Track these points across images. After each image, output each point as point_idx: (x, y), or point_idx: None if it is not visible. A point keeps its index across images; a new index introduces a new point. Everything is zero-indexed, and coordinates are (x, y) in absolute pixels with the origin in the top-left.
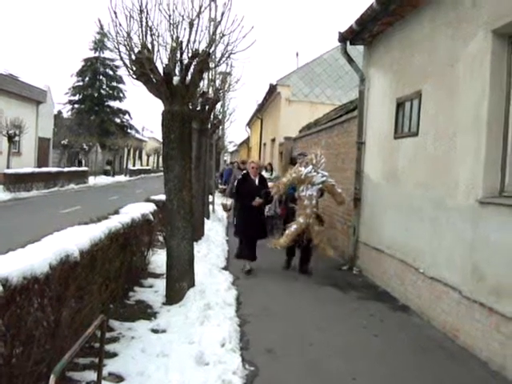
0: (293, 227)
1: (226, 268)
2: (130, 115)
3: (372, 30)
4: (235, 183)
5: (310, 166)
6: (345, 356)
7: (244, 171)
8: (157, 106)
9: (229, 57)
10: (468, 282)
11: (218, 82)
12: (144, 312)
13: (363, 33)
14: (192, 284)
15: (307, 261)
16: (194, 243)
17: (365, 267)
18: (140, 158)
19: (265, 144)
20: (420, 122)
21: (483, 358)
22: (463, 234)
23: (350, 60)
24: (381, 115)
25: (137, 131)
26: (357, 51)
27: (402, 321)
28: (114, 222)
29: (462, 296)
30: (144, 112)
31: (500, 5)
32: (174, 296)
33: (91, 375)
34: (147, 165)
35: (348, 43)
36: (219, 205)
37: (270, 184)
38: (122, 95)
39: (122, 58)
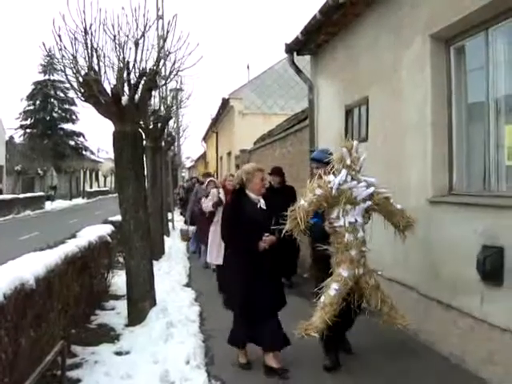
0: (332, 289)
1: (188, 285)
2: (84, 137)
3: (317, 39)
4: (221, 209)
5: (344, 171)
6: (310, 364)
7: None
8: (111, 127)
9: (177, 74)
10: (424, 281)
11: (169, 99)
12: (107, 335)
13: (309, 43)
14: (154, 303)
15: (350, 325)
16: (155, 261)
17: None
18: (97, 179)
19: (221, 158)
20: (369, 128)
21: (444, 353)
22: (417, 234)
23: (298, 70)
24: (331, 122)
25: (92, 153)
26: (306, 61)
27: (363, 324)
28: (71, 246)
29: (419, 294)
30: (99, 133)
31: (435, 10)
32: (136, 317)
33: None
34: (104, 186)
35: (295, 54)
36: (179, 221)
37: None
38: (74, 117)
39: (69, 81)
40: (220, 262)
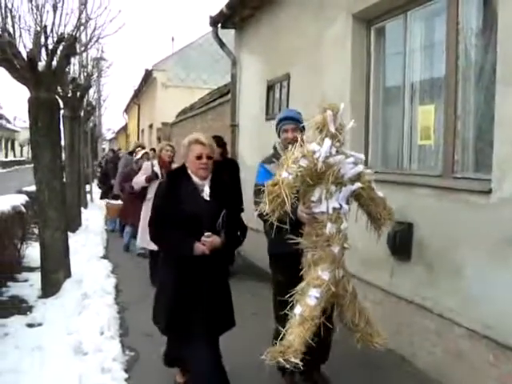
0: (312, 297)
1: (105, 257)
2: None
3: (242, 13)
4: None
5: (328, 141)
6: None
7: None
8: (28, 94)
9: (97, 41)
10: None
11: (89, 68)
12: (18, 307)
13: (233, 16)
14: (68, 275)
15: (325, 358)
16: (72, 233)
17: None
18: (13, 148)
19: (143, 130)
20: (289, 104)
21: None
22: None
23: (222, 44)
24: (253, 97)
25: (8, 121)
26: (232, 35)
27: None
28: None
29: None
30: (16, 101)
31: None
32: (49, 288)
33: None
34: (21, 156)
35: (219, 27)
36: (98, 193)
37: None
38: None
39: None
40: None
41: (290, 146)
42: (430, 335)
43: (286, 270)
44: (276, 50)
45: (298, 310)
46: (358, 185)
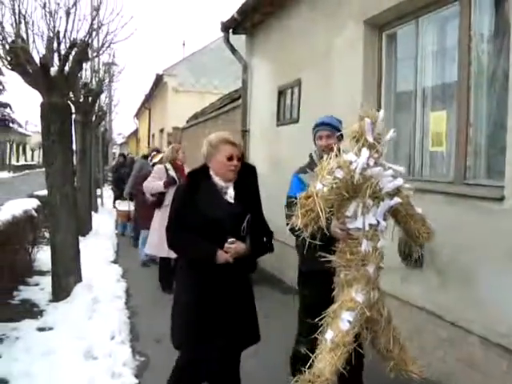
0: (345, 320)
1: (115, 261)
2: (11, 108)
3: (253, 19)
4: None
5: (366, 151)
6: None
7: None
8: (40, 99)
9: (109, 46)
10: None
11: (101, 73)
12: (30, 311)
13: (245, 22)
14: (79, 279)
15: None
16: (82, 238)
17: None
18: (24, 152)
19: (153, 135)
20: (300, 109)
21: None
22: None
23: (233, 49)
24: (264, 103)
25: (20, 125)
26: (243, 40)
27: (285, 300)
28: None
29: None
30: (27, 105)
31: None
32: (60, 292)
33: None
34: (32, 160)
35: (231, 32)
36: (108, 198)
37: None
38: (1, 87)
39: None
40: (165, 253)
41: (324, 155)
42: (442, 343)
43: (317, 288)
44: (287, 56)
45: (329, 334)
46: (397, 200)
